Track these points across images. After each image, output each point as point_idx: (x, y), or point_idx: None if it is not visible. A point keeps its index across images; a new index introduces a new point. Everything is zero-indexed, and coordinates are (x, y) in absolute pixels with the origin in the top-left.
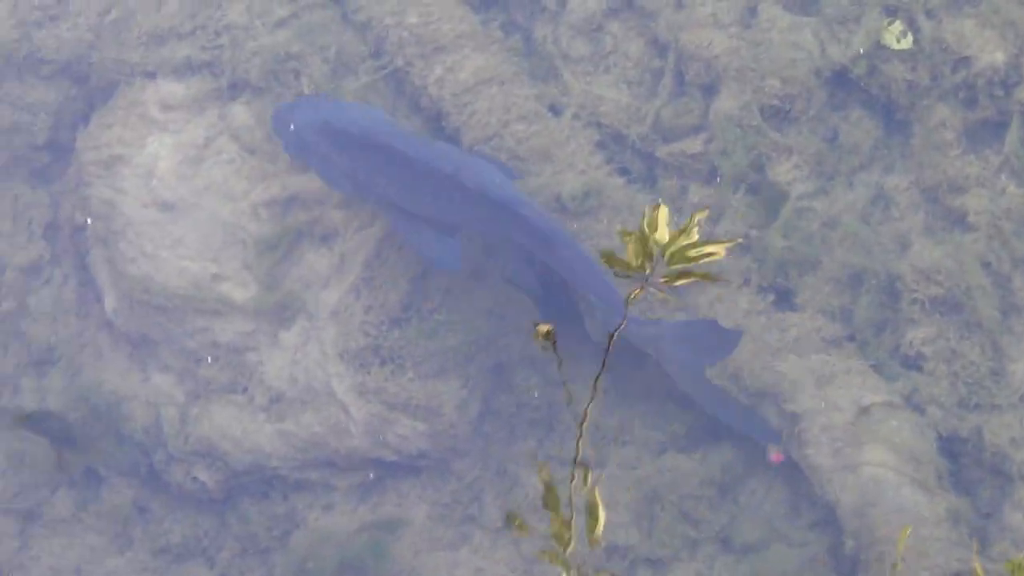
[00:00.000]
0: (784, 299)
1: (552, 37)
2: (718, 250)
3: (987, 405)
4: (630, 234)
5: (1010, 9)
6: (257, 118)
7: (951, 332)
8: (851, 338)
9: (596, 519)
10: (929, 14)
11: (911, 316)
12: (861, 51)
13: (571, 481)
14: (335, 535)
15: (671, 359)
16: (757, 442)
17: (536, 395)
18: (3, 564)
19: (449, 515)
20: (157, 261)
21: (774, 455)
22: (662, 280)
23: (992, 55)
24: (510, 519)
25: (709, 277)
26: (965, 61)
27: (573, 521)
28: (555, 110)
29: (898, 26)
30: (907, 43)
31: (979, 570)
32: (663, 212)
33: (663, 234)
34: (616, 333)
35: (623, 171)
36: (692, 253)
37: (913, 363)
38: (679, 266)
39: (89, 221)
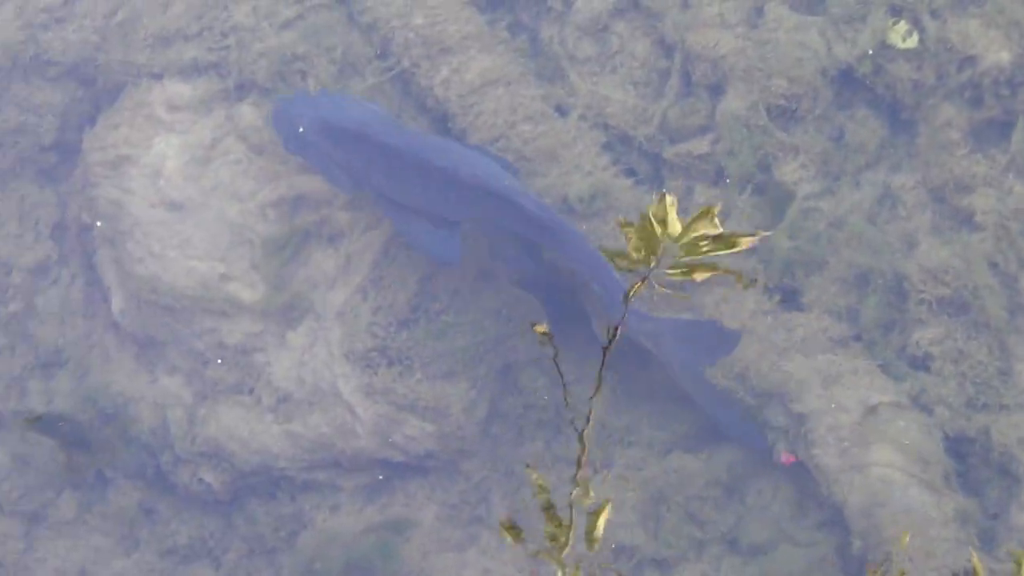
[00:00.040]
0: (791, 299)
1: (558, 38)
2: (743, 243)
3: (995, 405)
4: (631, 225)
5: (1015, 9)
6: (264, 119)
7: (958, 332)
8: (858, 338)
9: (597, 520)
10: (934, 14)
11: (918, 316)
12: (867, 50)
13: (574, 481)
14: (342, 536)
15: (670, 356)
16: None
17: (545, 396)
18: (8, 566)
19: (457, 516)
20: (164, 261)
21: (784, 457)
22: (673, 272)
23: (997, 55)
24: (503, 526)
25: (734, 272)
26: (970, 60)
27: (573, 522)
28: (561, 111)
29: (903, 25)
30: (912, 42)
31: (979, 569)
32: (671, 202)
33: (674, 225)
34: (618, 327)
35: (630, 172)
36: (711, 246)
37: (920, 363)
38: (692, 258)
39: (99, 224)
